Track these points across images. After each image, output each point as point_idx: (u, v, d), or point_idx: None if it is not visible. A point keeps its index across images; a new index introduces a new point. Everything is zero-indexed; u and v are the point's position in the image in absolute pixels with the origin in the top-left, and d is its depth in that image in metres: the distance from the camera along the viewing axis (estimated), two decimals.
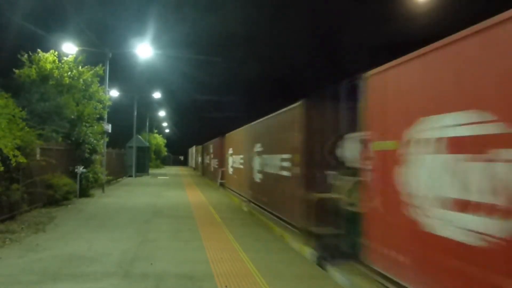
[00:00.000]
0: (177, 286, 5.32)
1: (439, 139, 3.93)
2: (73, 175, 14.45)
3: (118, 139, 28.65)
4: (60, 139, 14.03)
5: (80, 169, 14.71)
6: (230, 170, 18.51)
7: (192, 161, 53.27)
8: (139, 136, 35.46)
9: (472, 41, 3.63)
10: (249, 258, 6.80)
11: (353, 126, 6.06)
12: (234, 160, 17.54)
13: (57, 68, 15.68)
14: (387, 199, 4.82)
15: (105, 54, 18.29)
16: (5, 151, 8.55)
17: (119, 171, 26.65)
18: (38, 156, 11.48)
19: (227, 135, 20.10)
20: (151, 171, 37.08)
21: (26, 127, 10.15)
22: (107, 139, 18.69)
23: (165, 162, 64.68)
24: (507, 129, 3.14)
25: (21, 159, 8.98)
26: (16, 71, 14.86)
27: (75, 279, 5.48)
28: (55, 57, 15.61)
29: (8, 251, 6.99)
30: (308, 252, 6.89)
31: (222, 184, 21.30)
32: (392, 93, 4.92)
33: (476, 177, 3.43)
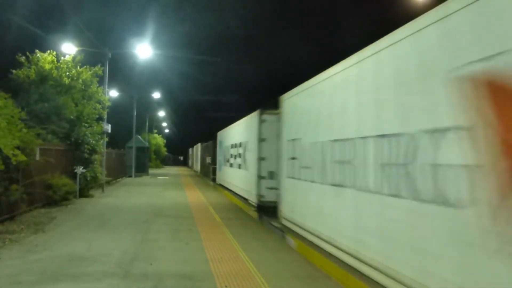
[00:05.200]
0: (177, 286, 5.31)
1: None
2: (72, 175, 14.44)
3: (117, 139, 28.67)
4: (55, 140, 14.00)
5: (80, 169, 14.70)
6: None
7: (196, 163, 42.20)
8: (139, 136, 35.43)
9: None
10: (249, 258, 6.81)
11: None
12: None
13: (56, 68, 15.66)
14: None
15: (105, 54, 18.27)
16: (4, 150, 8.55)
17: (118, 171, 26.64)
18: (37, 157, 11.47)
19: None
20: (150, 171, 37.05)
21: (25, 128, 10.14)
22: (106, 139, 18.68)
23: (164, 162, 64.68)
24: None
25: (21, 158, 8.97)
26: (14, 71, 14.83)
27: (74, 279, 5.47)
28: (53, 57, 15.59)
29: (7, 251, 6.98)
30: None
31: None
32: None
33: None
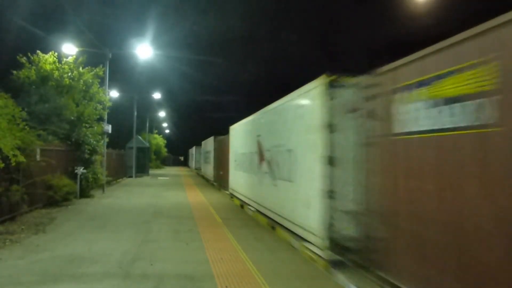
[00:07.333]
0: (177, 287, 5.32)
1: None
2: (73, 175, 14.45)
3: (118, 140, 28.65)
4: (56, 141, 14.00)
5: (80, 170, 14.70)
6: None
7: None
8: (139, 137, 35.44)
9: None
10: (249, 258, 6.80)
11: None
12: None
13: (57, 69, 15.66)
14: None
15: (105, 54, 18.26)
16: (4, 150, 8.54)
17: (119, 171, 26.64)
18: (38, 157, 11.47)
19: None
20: (151, 171, 37.07)
21: (26, 127, 10.14)
22: (107, 140, 18.67)
23: (165, 162, 64.71)
24: None
25: (20, 159, 8.97)
26: (15, 72, 14.82)
27: (75, 280, 5.48)
28: (55, 58, 15.59)
29: (8, 252, 6.99)
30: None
31: None
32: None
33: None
